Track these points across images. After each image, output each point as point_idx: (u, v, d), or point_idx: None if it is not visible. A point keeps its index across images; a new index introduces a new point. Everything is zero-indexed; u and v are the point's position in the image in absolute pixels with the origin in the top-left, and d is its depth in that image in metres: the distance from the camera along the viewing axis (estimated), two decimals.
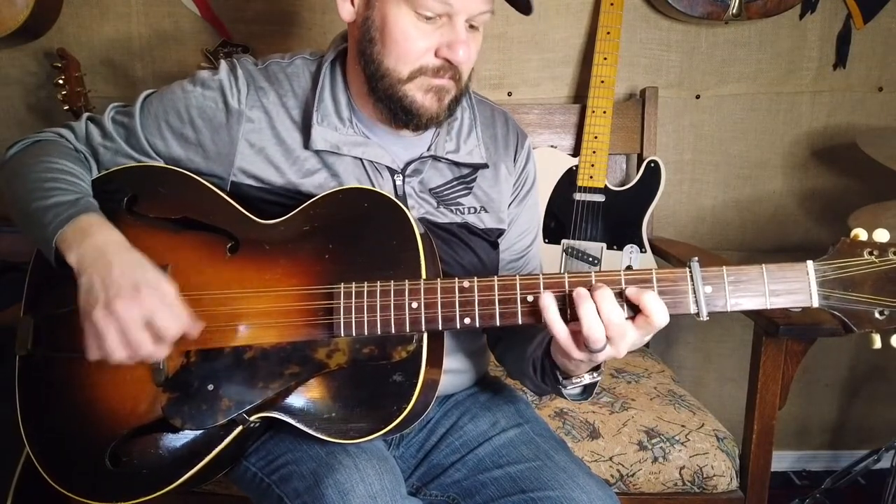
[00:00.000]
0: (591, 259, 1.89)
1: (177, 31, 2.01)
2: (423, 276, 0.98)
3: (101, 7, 1.99)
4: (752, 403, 1.42)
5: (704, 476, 1.42)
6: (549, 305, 0.92)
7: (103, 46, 2.01)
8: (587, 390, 1.06)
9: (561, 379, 1.04)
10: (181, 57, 2.02)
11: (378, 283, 0.98)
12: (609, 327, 0.89)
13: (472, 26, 1.06)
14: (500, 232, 1.25)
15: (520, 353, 1.13)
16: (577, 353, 0.93)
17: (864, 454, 1.90)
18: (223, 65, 1.15)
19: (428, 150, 1.17)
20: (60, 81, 1.81)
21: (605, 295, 0.90)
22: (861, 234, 0.90)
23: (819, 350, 2.13)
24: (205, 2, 1.97)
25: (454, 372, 1.22)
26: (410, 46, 1.03)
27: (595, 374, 1.02)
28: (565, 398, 1.08)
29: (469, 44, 1.04)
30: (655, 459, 1.43)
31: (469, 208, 1.20)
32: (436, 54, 1.04)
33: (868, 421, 2.34)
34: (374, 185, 1.13)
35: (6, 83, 2.04)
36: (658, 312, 0.89)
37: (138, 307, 0.95)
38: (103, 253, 0.99)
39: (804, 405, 2.31)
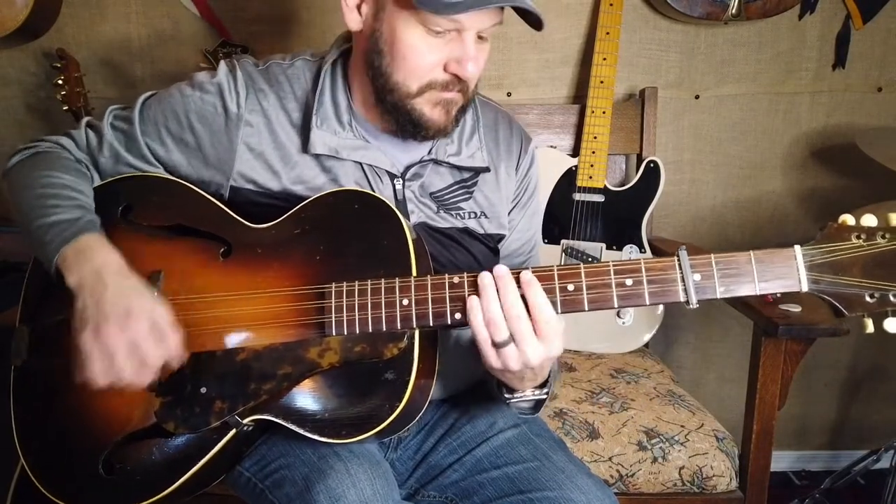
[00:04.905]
0: (590, 259, 1.89)
1: (176, 31, 2.01)
2: (414, 273, 0.98)
3: (101, 7, 1.99)
4: (751, 403, 1.42)
5: (704, 476, 1.42)
6: (474, 307, 0.92)
7: (103, 47, 2.01)
8: (536, 406, 1.07)
9: (504, 393, 1.04)
10: (180, 57, 2.02)
11: (369, 282, 0.98)
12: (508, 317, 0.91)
13: (480, 37, 1.04)
14: (501, 237, 1.24)
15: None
16: (490, 357, 0.93)
17: (864, 454, 1.90)
18: (222, 66, 1.13)
19: (429, 153, 1.15)
20: (60, 81, 1.81)
21: (508, 283, 0.91)
22: (849, 219, 0.89)
23: (819, 350, 2.13)
24: (204, 2, 1.97)
25: (452, 377, 1.22)
26: (419, 61, 1.02)
27: (539, 392, 1.03)
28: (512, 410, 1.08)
29: (478, 58, 1.03)
30: (655, 460, 1.43)
31: (470, 213, 1.19)
32: (445, 69, 1.02)
33: (867, 421, 2.34)
34: (373, 190, 1.12)
35: (6, 83, 2.04)
36: (541, 304, 0.90)
37: (126, 333, 0.95)
38: (100, 276, 0.99)
39: (804, 405, 2.30)
